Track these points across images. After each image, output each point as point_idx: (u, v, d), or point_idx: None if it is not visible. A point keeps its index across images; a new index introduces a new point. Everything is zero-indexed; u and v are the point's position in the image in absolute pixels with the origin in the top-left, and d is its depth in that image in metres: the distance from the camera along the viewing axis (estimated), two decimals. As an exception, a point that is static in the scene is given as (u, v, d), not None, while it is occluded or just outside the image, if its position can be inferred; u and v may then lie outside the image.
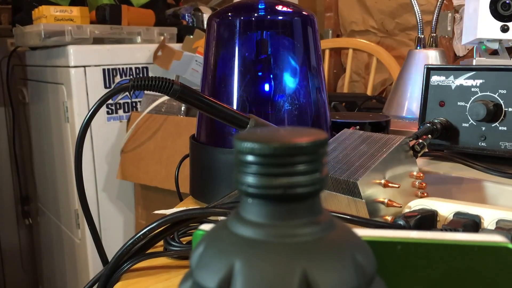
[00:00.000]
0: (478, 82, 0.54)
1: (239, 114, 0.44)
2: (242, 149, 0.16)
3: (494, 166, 0.51)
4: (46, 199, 1.80)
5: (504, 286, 0.20)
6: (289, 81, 0.57)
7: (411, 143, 0.47)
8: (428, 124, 0.54)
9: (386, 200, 0.43)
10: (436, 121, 0.55)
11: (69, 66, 1.36)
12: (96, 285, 0.40)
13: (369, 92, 1.52)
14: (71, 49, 1.34)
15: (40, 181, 1.86)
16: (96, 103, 0.38)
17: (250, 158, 0.16)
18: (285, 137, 0.16)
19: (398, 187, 0.43)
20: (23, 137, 2.06)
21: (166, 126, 1.31)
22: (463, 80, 0.55)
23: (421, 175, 0.46)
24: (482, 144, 0.53)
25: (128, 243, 0.38)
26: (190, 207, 0.39)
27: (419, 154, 0.46)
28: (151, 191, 1.37)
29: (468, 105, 0.54)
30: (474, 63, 0.65)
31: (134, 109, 1.48)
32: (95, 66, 1.39)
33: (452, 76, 0.56)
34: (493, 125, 0.53)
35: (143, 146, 1.35)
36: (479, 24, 0.63)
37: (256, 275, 0.14)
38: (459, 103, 0.55)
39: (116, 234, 1.49)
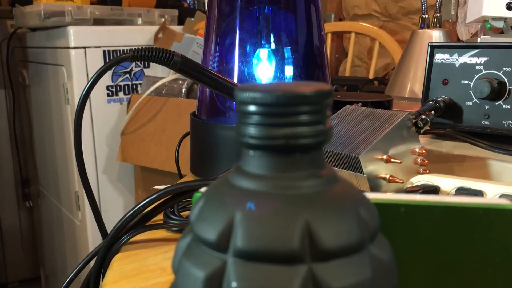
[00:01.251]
0: (483, 59, 0.53)
1: (240, 87, 0.43)
2: (244, 98, 0.15)
3: (497, 144, 0.51)
4: (46, 181, 1.80)
5: (509, 248, 0.20)
6: (291, 58, 0.56)
7: (414, 120, 0.46)
8: (431, 102, 0.54)
9: (387, 176, 0.43)
10: (439, 99, 0.54)
11: (69, 47, 1.35)
12: (96, 257, 0.40)
13: (371, 77, 1.51)
14: (71, 29, 1.33)
15: (40, 164, 1.86)
16: (96, 72, 0.37)
17: (252, 108, 0.15)
18: (288, 87, 0.15)
19: (400, 162, 0.43)
20: (23, 119, 2.05)
21: (166, 108, 1.31)
22: (467, 58, 0.54)
23: (424, 151, 0.45)
24: (485, 122, 0.53)
25: (127, 215, 0.38)
26: (190, 180, 0.38)
27: (422, 130, 0.45)
28: (152, 173, 1.37)
29: (472, 83, 0.53)
30: (478, 41, 0.64)
31: (135, 91, 1.47)
32: (95, 47, 1.38)
33: (456, 54, 0.55)
34: (496, 103, 0.52)
35: (143, 128, 1.35)
36: (484, 1, 0.62)
37: (257, 226, 0.14)
38: (462, 81, 0.54)
39: (116, 216, 1.48)
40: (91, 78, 0.37)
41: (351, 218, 0.15)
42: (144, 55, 0.38)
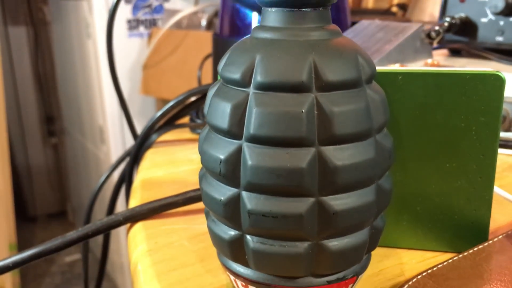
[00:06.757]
0: (500, -25, 0.53)
1: None
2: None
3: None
4: (70, 117, 1.86)
5: (492, 109, 0.23)
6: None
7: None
8: (447, 19, 0.55)
9: (398, 85, 0.45)
10: (456, 16, 0.56)
11: (89, -21, 1.36)
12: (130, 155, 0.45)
13: (394, 9, 1.48)
14: (91, -39, 1.33)
15: (63, 101, 1.91)
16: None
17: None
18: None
19: (411, 71, 0.45)
20: (45, 57, 2.09)
21: (187, 42, 1.32)
22: (484, -26, 0.55)
23: (436, 62, 0.47)
24: (499, 38, 0.54)
25: (157, 115, 0.42)
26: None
27: (435, 41, 0.47)
28: (173, 105, 1.40)
29: (487, -1, 0.54)
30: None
31: (155, 25, 1.49)
32: (115, -21, 1.38)
33: (474, -30, 0.55)
34: (511, 19, 0.53)
35: (164, 61, 1.37)
36: None
37: (274, 62, 0.17)
38: (479, -2, 0.55)
39: (140, 148, 1.54)
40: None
41: (350, 60, 0.18)
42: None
